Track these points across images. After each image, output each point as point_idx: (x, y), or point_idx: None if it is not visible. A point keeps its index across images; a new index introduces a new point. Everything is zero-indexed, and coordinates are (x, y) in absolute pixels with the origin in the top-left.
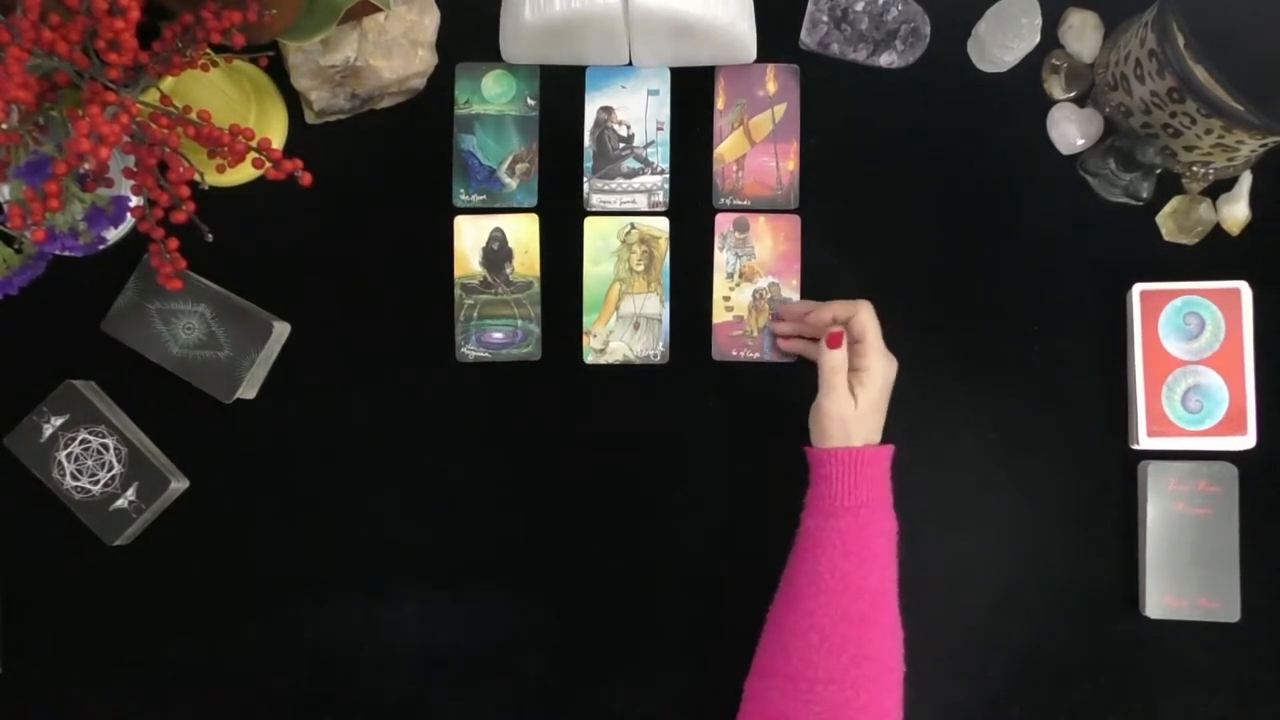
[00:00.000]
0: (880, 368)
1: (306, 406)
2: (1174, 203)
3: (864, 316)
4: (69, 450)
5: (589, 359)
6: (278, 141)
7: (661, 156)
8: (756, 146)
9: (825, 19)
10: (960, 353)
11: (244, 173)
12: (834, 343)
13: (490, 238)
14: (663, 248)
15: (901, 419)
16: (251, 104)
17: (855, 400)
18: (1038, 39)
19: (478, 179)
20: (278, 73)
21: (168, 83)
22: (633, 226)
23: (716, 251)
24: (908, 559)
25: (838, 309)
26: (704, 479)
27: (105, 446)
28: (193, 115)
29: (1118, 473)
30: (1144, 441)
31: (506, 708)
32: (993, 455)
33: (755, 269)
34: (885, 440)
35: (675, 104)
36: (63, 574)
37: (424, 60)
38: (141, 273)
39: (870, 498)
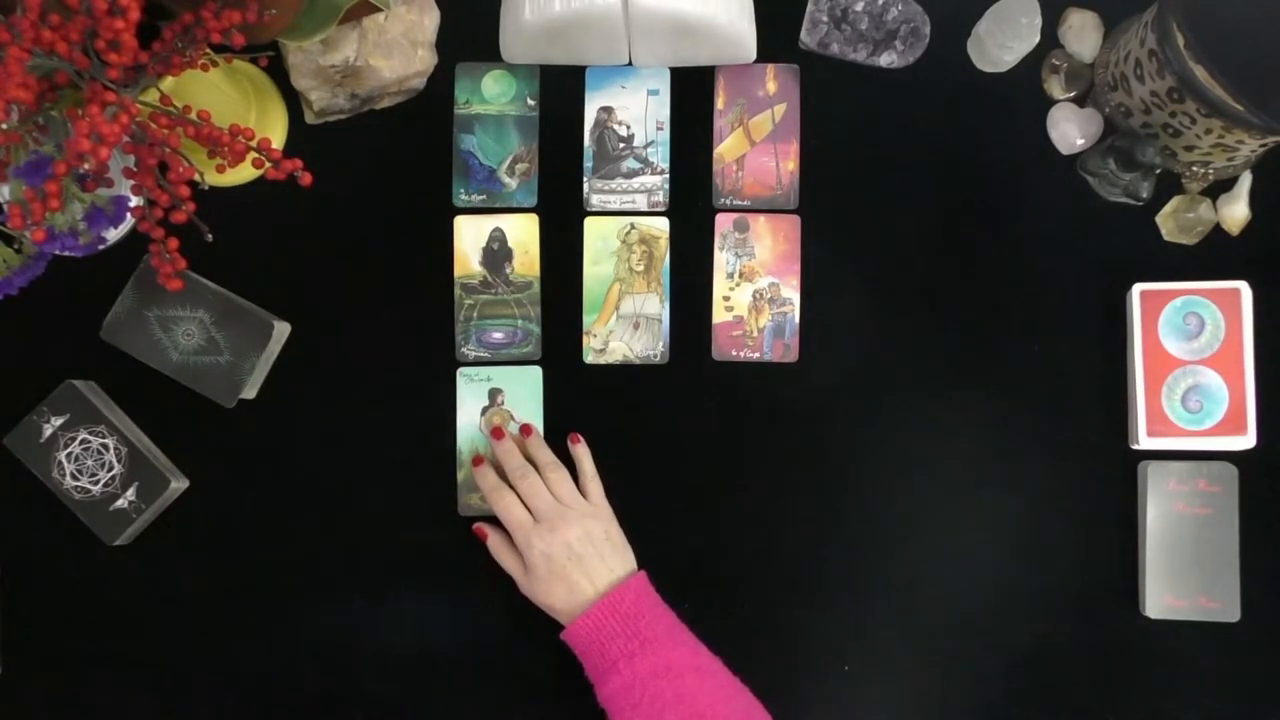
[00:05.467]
0: (531, 550)
1: (306, 406)
2: (1174, 203)
3: (500, 512)
4: (69, 450)
5: (589, 359)
6: (278, 141)
7: (661, 156)
8: (756, 146)
9: (825, 19)
10: (960, 352)
11: (244, 173)
12: (478, 534)
13: (490, 238)
14: (663, 248)
15: (902, 419)
16: (251, 104)
17: (532, 590)
18: (1038, 39)
19: (478, 179)
20: (278, 73)
21: (168, 83)
22: (633, 226)
23: (716, 251)
24: (909, 559)
25: (485, 492)
26: (704, 479)
27: (105, 446)
28: (193, 115)
29: (1118, 473)
30: (1144, 441)
31: (506, 708)
32: (993, 455)
33: (755, 269)
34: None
35: (675, 104)
36: (63, 574)
37: (424, 60)
38: (138, 280)
39: (623, 650)
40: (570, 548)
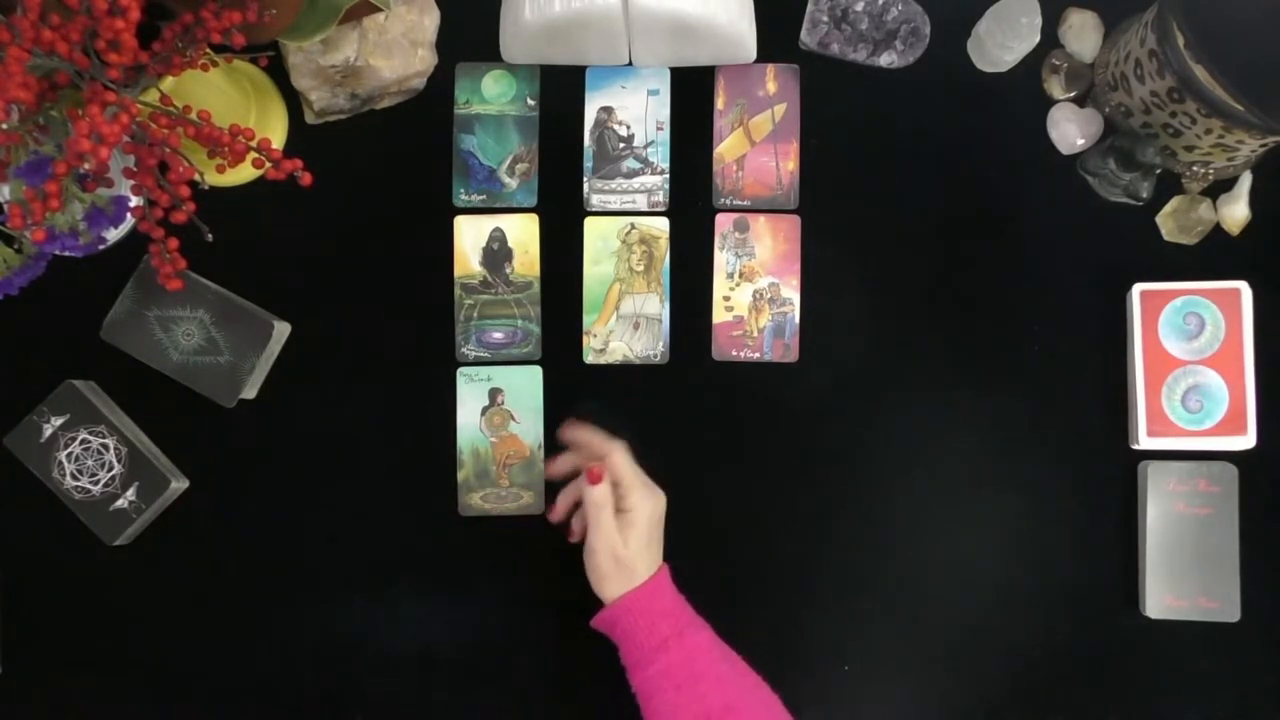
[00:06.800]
0: (644, 505)
1: (306, 406)
2: (1174, 203)
3: (615, 459)
4: (69, 450)
5: (589, 359)
6: (278, 141)
7: (661, 156)
8: (756, 146)
9: (825, 19)
10: (960, 352)
11: (244, 173)
12: (593, 478)
13: (490, 238)
14: (663, 248)
15: (902, 419)
16: (251, 104)
17: (625, 539)
18: (1038, 39)
19: (478, 179)
20: (278, 73)
21: (168, 83)
22: (633, 226)
23: (716, 251)
24: (909, 559)
25: (594, 446)
26: (704, 479)
27: (105, 446)
28: (193, 115)
29: (1118, 473)
30: (1144, 441)
31: (506, 708)
32: (993, 455)
33: (755, 269)
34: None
35: (675, 104)
36: (63, 574)
37: (424, 60)
38: (138, 280)
39: (673, 627)
40: (662, 520)
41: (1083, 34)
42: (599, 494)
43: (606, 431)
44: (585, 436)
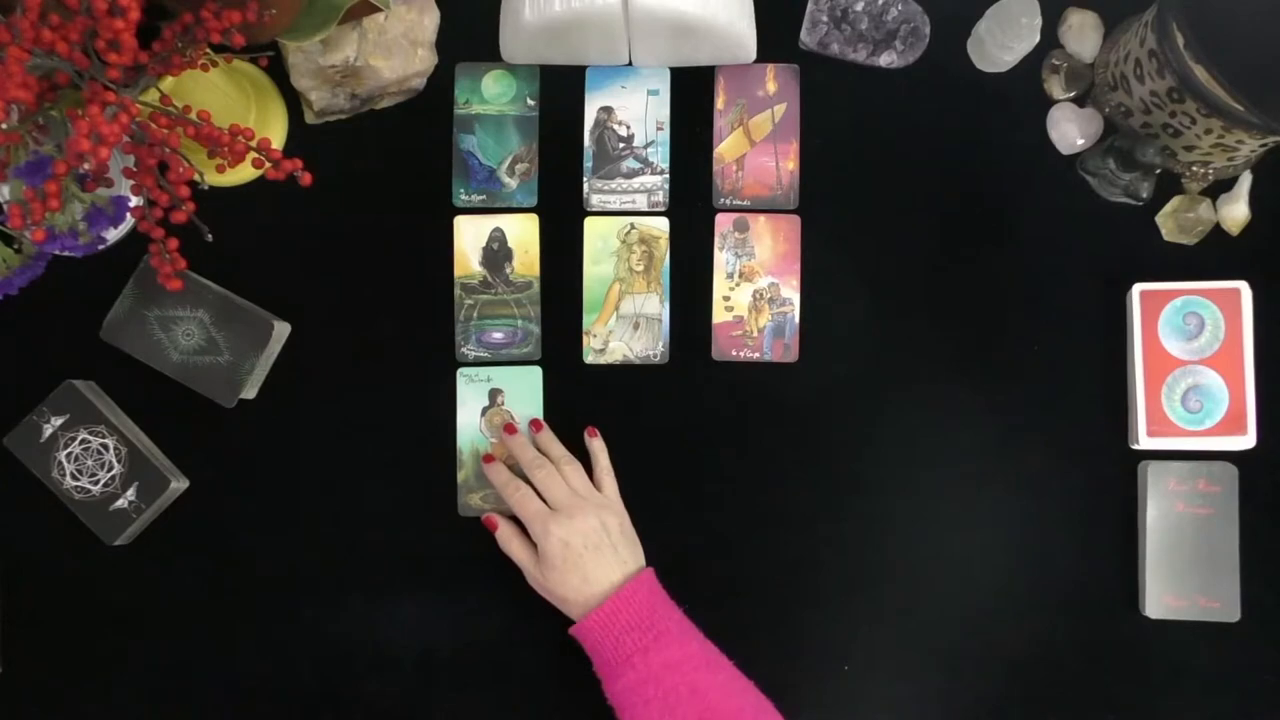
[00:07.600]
0: (543, 541)
1: (306, 406)
2: (1174, 203)
3: (511, 502)
4: (69, 450)
5: (589, 359)
6: (278, 141)
7: (661, 156)
8: (756, 146)
9: (825, 19)
10: (960, 352)
11: (244, 173)
12: (489, 526)
13: (490, 238)
14: (663, 248)
15: (902, 419)
16: (251, 104)
17: (542, 572)
18: (1037, 39)
19: (478, 179)
20: (278, 73)
21: (168, 83)
22: (633, 226)
23: (716, 251)
24: (909, 559)
25: (498, 487)
26: (704, 479)
27: (105, 446)
28: (193, 115)
29: (1118, 473)
30: (1144, 441)
31: (506, 708)
32: (993, 455)
33: (755, 269)
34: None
35: (675, 104)
36: (63, 574)
37: (424, 60)
38: (138, 280)
39: (638, 643)
40: (587, 537)
41: (1083, 34)
42: (501, 538)
43: (607, 431)
44: (519, 450)
